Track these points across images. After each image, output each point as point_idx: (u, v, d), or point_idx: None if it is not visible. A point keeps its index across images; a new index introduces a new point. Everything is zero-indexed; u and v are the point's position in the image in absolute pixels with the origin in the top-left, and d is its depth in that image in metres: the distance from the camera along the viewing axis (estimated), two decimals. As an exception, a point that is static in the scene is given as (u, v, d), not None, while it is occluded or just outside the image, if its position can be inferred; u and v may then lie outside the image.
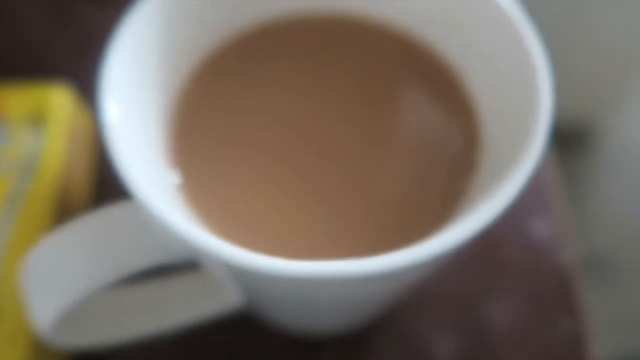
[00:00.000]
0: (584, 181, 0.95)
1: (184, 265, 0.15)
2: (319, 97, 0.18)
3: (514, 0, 0.16)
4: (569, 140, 0.98)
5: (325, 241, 0.15)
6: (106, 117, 0.12)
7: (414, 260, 0.12)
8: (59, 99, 0.23)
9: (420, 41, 0.19)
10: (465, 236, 0.12)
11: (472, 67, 0.18)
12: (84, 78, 0.28)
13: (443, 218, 0.15)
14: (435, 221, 0.15)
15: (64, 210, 0.22)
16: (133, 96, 0.14)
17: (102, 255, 0.14)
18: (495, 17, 0.16)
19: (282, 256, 0.14)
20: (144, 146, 0.14)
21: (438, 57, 0.19)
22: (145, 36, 0.15)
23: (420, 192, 0.16)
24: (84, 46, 0.29)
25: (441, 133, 0.18)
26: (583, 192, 0.94)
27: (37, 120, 0.23)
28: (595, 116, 0.97)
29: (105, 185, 0.26)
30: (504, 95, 0.16)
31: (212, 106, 0.17)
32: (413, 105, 0.18)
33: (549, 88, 0.14)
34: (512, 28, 0.15)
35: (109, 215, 0.15)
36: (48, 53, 0.29)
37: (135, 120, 0.13)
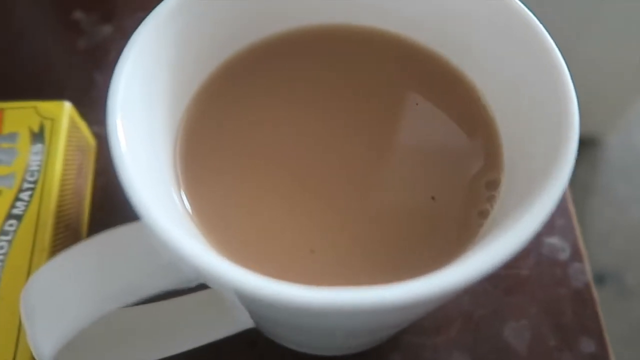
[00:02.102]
0: (589, 194, 0.95)
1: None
2: (332, 114, 0.17)
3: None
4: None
5: (336, 265, 0.15)
6: (114, 140, 0.12)
7: (428, 292, 0.11)
8: (60, 116, 0.23)
9: (438, 56, 0.18)
10: (486, 268, 0.11)
11: (491, 83, 0.17)
12: (87, 93, 0.28)
13: (462, 243, 0.15)
14: (455, 247, 0.15)
15: (65, 225, 0.22)
16: (141, 117, 0.13)
17: (107, 281, 0.14)
18: (519, 34, 0.15)
19: (291, 280, 0.14)
20: (153, 168, 0.13)
21: (455, 72, 0.18)
22: (152, 56, 0.14)
23: (439, 217, 0.16)
24: (88, 61, 0.29)
25: (460, 153, 0.17)
26: (588, 206, 0.93)
27: (39, 136, 0.22)
28: (601, 129, 0.96)
29: (107, 201, 0.25)
30: (526, 115, 0.15)
31: (220, 124, 0.17)
32: (431, 123, 0.18)
33: (577, 110, 0.13)
34: (539, 46, 0.15)
35: (114, 237, 0.14)
36: (51, 68, 0.29)
37: (143, 141, 0.13)
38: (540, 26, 0.15)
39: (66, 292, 0.13)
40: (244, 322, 0.19)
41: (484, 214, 0.16)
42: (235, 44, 0.17)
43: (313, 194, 0.15)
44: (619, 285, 0.88)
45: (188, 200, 0.15)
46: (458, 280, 0.11)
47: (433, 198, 0.16)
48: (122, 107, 0.12)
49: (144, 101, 0.13)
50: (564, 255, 0.25)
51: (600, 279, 0.88)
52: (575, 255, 0.25)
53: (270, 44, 0.18)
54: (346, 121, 0.17)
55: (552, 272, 0.24)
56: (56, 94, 0.25)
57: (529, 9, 0.16)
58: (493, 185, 0.16)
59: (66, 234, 0.22)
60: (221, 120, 0.16)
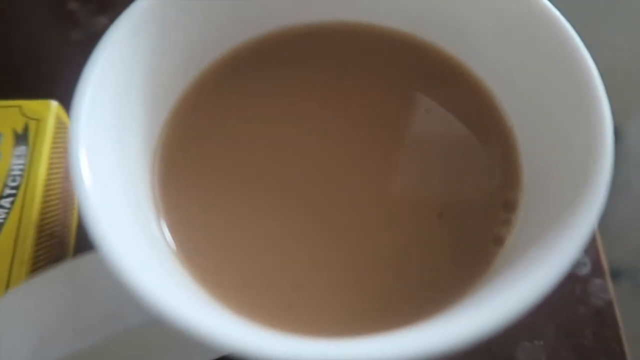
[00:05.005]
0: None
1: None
2: (327, 124, 0.15)
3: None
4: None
5: (324, 302, 0.13)
6: (76, 166, 0.10)
7: (424, 351, 0.10)
8: (46, 116, 0.21)
9: (448, 56, 0.17)
10: (497, 323, 0.10)
11: (509, 88, 0.15)
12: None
13: (474, 276, 0.13)
14: (465, 281, 0.13)
15: (49, 235, 0.20)
16: (111, 137, 0.11)
17: (77, 314, 0.12)
18: (542, 32, 0.13)
19: (274, 321, 0.12)
20: (125, 195, 0.11)
21: (468, 75, 0.17)
22: (123, 65, 0.12)
23: (447, 241, 0.14)
24: (82, 55, 0.27)
25: (473, 167, 0.15)
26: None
27: (23, 138, 0.21)
28: (619, 118, 0.93)
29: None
30: (549, 126, 0.14)
31: (203, 142, 0.15)
32: (439, 131, 0.16)
33: (610, 122, 0.12)
34: (565, 48, 0.13)
35: (86, 263, 0.13)
36: (42, 62, 0.27)
37: (113, 164, 0.11)
38: (566, 24, 0.13)
39: (15, 330, 0.11)
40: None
41: (499, 241, 0.14)
42: (217, 49, 0.15)
43: (304, 218, 0.14)
44: (635, 282, 0.86)
45: (169, 230, 0.13)
46: (463, 337, 0.09)
47: (441, 215, 0.15)
48: (88, 128, 0.11)
49: (115, 118, 0.12)
50: (584, 270, 0.23)
51: (616, 275, 0.86)
52: (597, 270, 0.23)
53: (256, 48, 0.16)
54: (344, 132, 0.16)
55: (571, 288, 0.23)
56: (46, 91, 0.23)
57: (553, 5, 0.14)
58: (510, 206, 0.14)
59: (51, 244, 0.20)
60: (205, 137, 0.15)
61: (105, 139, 0.11)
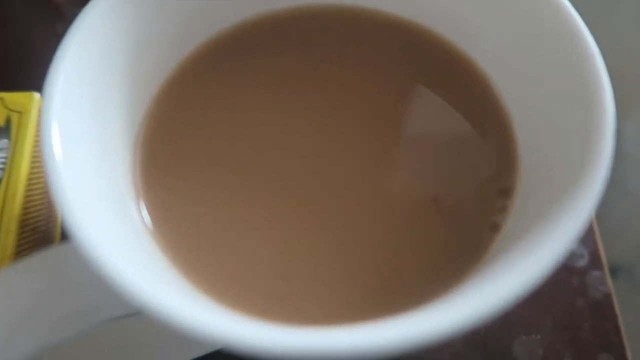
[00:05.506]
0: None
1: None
2: (317, 112, 0.15)
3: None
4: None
5: (312, 292, 0.12)
6: (47, 147, 0.10)
7: (412, 339, 0.09)
8: (29, 108, 0.21)
9: (445, 42, 0.16)
10: (492, 310, 0.09)
11: (507, 74, 0.15)
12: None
13: (471, 262, 0.13)
14: (461, 267, 0.13)
15: (32, 229, 0.20)
16: (87, 121, 0.11)
17: (51, 305, 0.12)
18: (544, 19, 0.13)
19: (259, 309, 0.12)
20: (102, 180, 0.11)
21: (465, 61, 0.16)
22: (100, 47, 0.12)
23: (442, 228, 0.13)
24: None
25: (469, 153, 0.15)
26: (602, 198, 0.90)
27: (6, 131, 0.20)
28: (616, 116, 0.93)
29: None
30: (548, 113, 0.13)
31: (188, 127, 0.14)
32: (435, 118, 0.16)
33: (612, 110, 0.11)
34: (568, 34, 0.12)
35: (63, 251, 0.12)
36: (25, 55, 0.27)
37: (89, 148, 0.11)
38: (571, 9, 0.13)
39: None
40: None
41: (495, 228, 0.13)
42: (203, 32, 0.15)
43: (290, 206, 0.13)
44: (632, 280, 0.86)
45: (148, 212, 0.13)
46: (457, 324, 0.09)
47: (435, 202, 0.14)
48: (61, 109, 0.10)
49: (91, 104, 0.11)
50: (582, 262, 0.23)
51: (612, 272, 0.86)
52: (595, 262, 0.22)
53: (244, 32, 0.16)
54: (331, 118, 0.15)
55: (568, 280, 0.22)
56: (29, 83, 0.23)
57: None
58: (507, 193, 0.14)
59: (34, 239, 0.20)
60: (187, 126, 0.14)
61: (80, 122, 0.11)
